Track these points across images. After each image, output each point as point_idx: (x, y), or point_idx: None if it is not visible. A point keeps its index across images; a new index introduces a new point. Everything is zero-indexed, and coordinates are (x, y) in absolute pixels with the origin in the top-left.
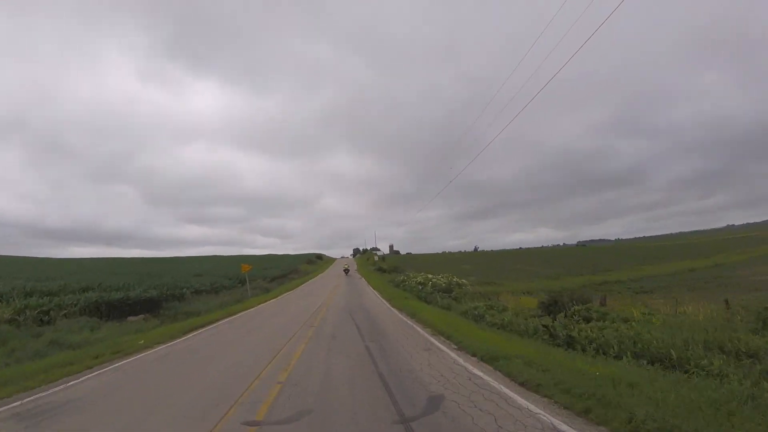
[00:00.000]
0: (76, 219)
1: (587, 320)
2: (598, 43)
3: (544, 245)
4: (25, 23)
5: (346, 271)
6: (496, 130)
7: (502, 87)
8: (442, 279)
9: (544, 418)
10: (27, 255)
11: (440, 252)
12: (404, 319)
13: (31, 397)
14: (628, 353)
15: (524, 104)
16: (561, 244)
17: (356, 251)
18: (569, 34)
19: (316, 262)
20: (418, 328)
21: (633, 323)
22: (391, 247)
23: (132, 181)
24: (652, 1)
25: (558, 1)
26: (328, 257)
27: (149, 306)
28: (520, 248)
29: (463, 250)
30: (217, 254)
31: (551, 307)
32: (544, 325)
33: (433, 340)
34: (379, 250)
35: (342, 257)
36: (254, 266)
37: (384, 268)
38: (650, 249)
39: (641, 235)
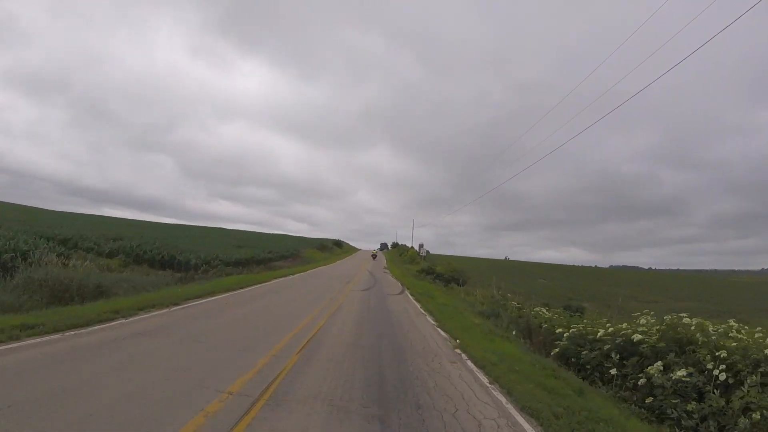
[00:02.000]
0: (113, 182)
1: None
2: (654, 64)
3: (575, 264)
4: None
5: (374, 257)
6: (542, 144)
7: (551, 98)
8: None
9: None
10: (62, 210)
11: (468, 257)
12: None
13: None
14: None
15: (571, 118)
16: (594, 265)
17: (383, 246)
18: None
19: (332, 249)
20: None
21: None
22: (420, 246)
23: (169, 151)
24: (716, 29)
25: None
26: (351, 246)
27: None
28: (553, 264)
29: (491, 258)
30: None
31: None
32: None
33: None
34: (423, 246)
35: (370, 252)
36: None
37: (436, 272)
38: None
39: (675, 268)
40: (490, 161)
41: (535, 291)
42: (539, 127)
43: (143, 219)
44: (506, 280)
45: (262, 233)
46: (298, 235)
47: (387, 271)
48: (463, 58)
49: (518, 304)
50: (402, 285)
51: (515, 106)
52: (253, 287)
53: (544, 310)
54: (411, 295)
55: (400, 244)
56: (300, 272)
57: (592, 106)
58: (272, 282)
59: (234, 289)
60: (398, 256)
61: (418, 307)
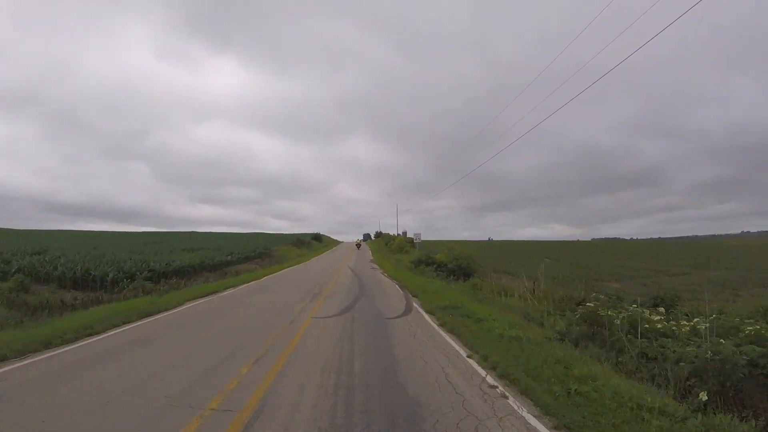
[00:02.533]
0: (90, 195)
1: None
2: (628, 35)
3: (557, 240)
4: None
5: (358, 246)
6: (520, 123)
7: (528, 77)
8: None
9: None
10: (42, 228)
11: (452, 240)
12: None
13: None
14: None
15: (548, 95)
16: (576, 239)
17: (366, 236)
18: (598, 25)
19: (310, 245)
20: None
21: None
22: (404, 233)
23: (146, 158)
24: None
25: None
26: (332, 240)
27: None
28: (535, 240)
29: (476, 240)
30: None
31: None
32: None
33: None
34: (418, 235)
35: (353, 244)
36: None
37: (436, 261)
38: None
39: (656, 236)
40: (469, 143)
41: (551, 274)
42: (517, 106)
43: (123, 230)
44: (510, 262)
45: (239, 233)
46: (278, 232)
47: (375, 265)
48: (438, 40)
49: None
50: (402, 289)
51: (492, 86)
52: (122, 330)
53: (649, 313)
54: (428, 313)
55: (383, 233)
56: (254, 279)
57: (570, 82)
58: (181, 309)
59: (79, 340)
60: (384, 245)
61: (477, 368)
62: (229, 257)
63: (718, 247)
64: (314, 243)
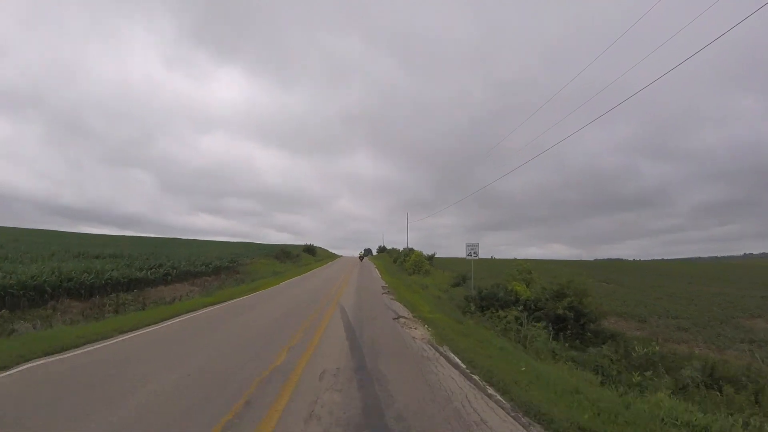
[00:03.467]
0: (90, 200)
1: None
2: (632, 53)
3: (560, 259)
4: None
5: (361, 258)
6: (526, 144)
7: (533, 95)
8: None
9: None
10: (45, 228)
11: (453, 257)
12: None
13: None
14: None
15: (553, 114)
16: (579, 260)
17: (368, 251)
18: (603, 44)
19: (298, 258)
20: None
21: None
22: (472, 248)
23: (148, 166)
24: (692, 15)
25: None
26: (329, 253)
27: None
28: (543, 260)
29: (477, 259)
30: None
31: None
32: None
33: None
34: (476, 246)
35: (354, 260)
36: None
37: (519, 297)
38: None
39: (658, 258)
40: (472, 162)
41: (652, 310)
42: (521, 126)
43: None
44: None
45: (216, 241)
46: (275, 243)
47: (396, 304)
48: (443, 57)
49: None
50: None
51: (496, 105)
52: None
53: None
54: None
55: (390, 248)
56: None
57: (576, 103)
58: None
59: None
60: (392, 262)
61: None
62: (148, 273)
63: (742, 266)
64: (305, 256)
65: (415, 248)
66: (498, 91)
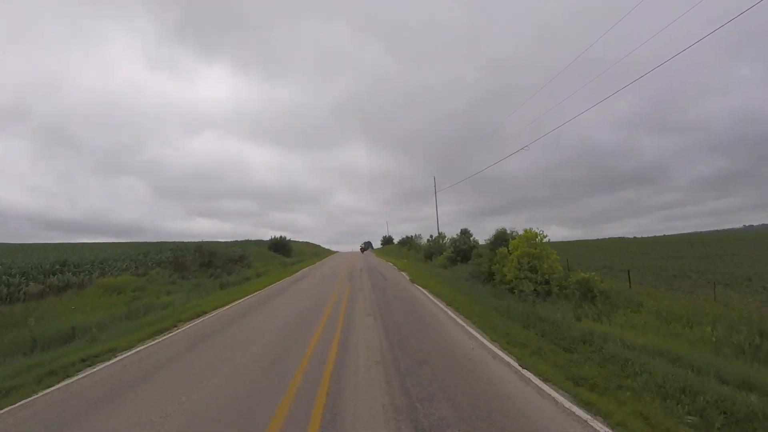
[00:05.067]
0: (85, 211)
1: None
2: (625, 28)
3: (564, 240)
4: (30, 7)
5: (362, 250)
6: (520, 124)
7: (527, 75)
8: None
9: None
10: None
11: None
12: None
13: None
14: None
15: (546, 92)
16: (580, 240)
17: (368, 244)
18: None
19: (244, 260)
20: None
21: None
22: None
23: (140, 172)
24: None
25: None
26: (323, 249)
27: None
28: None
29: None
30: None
31: None
32: None
33: None
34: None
35: (349, 258)
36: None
37: None
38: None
39: (659, 234)
40: (469, 146)
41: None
42: (521, 108)
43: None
44: (613, 266)
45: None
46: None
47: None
48: (433, 41)
49: None
50: None
51: (490, 86)
52: None
53: None
54: None
55: (410, 236)
56: None
57: (576, 81)
58: None
59: None
60: (414, 258)
61: None
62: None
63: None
64: (268, 256)
65: (414, 238)
66: (491, 71)
